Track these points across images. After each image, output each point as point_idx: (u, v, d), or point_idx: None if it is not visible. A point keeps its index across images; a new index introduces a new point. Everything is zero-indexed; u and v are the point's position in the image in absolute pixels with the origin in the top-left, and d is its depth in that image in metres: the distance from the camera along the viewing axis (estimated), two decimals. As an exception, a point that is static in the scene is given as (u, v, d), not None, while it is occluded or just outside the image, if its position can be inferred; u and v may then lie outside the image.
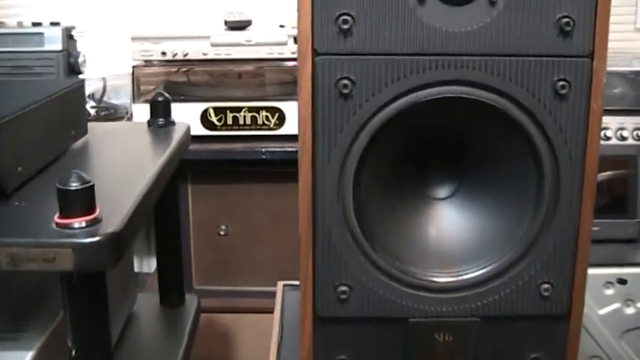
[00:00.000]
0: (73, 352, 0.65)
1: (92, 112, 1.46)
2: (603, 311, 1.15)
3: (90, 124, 0.94)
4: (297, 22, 0.61)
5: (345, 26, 0.60)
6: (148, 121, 0.99)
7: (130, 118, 1.42)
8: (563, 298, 0.66)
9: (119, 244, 0.62)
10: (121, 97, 1.54)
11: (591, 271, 0.76)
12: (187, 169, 1.35)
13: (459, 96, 0.61)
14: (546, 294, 0.66)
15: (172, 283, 1.01)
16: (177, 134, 0.96)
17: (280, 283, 0.98)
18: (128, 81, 1.49)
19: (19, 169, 0.72)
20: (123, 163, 0.83)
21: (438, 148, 0.66)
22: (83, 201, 0.63)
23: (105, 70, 1.52)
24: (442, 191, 0.68)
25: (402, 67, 0.61)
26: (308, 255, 0.65)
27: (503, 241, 0.66)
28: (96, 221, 0.63)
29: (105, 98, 1.50)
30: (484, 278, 0.66)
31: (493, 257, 0.66)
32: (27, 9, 1.68)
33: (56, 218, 0.63)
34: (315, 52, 0.61)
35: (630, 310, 1.16)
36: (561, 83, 0.62)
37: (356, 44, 0.61)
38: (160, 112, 0.98)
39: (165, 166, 0.83)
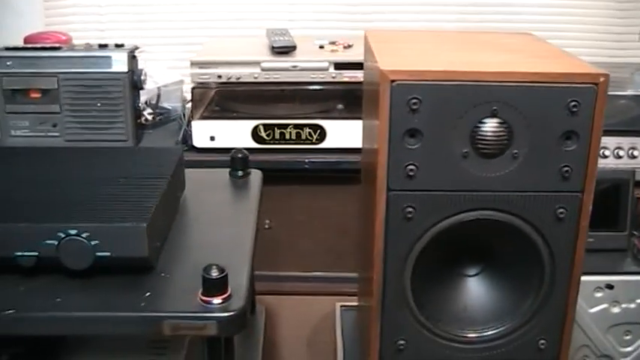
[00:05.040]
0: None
1: (149, 117, 1.78)
2: (593, 310, 1.42)
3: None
4: (377, 168, 0.95)
5: (411, 173, 0.94)
6: (230, 172, 1.32)
7: (185, 125, 1.73)
8: (555, 349, 1.04)
9: (245, 315, 0.97)
10: (171, 102, 1.86)
11: (585, 278, 1.10)
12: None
13: (487, 217, 0.96)
14: (542, 347, 1.03)
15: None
16: (256, 183, 1.30)
17: (337, 305, 1.34)
18: (176, 88, 1.82)
19: (157, 244, 1.07)
20: (226, 220, 1.17)
21: (471, 244, 1.02)
22: (221, 286, 0.96)
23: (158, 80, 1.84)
24: (472, 270, 1.04)
25: (450, 199, 0.95)
26: (377, 319, 1.01)
27: (514, 310, 1.03)
28: (229, 298, 0.97)
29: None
30: (499, 335, 1.03)
31: (506, 321, 1.03)
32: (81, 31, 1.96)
33: (200, 295, 0.97)
34: (389, 189, 0.95)
35: (616, 310, 1.42)
36: (560, 210, 0.97)
37: (418, 184, 0.95)
38: (239, 166, 1.32)
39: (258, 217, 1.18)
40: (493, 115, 0.93)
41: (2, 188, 1.09)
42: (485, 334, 1.03)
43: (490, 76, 0.92)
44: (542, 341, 1.03)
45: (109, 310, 0.94)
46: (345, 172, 1.64)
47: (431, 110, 0.93)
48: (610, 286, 1.43)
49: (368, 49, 1.14)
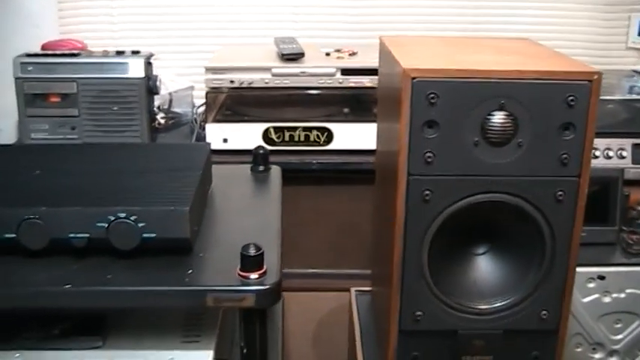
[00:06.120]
0: (245, 350, 1.17)
1: (162, 121, 1.93)
2: (585, 300, 1.54)
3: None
4: (399, 155, 1.11)
5: (429, 159, 1.11)
6: (251, 167, 1.48)
7: (198, 128, 1.89)
8: (555, 319, 1.20)
9: (279, 289, 1.12)
10: (182, 107, 2.02)
11: (578, 269, 1.24)
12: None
13: (496, 200, 1.13)
14: (544, 317, 1.20)
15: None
16: (276, 178, 1.46)
17: (352, 290, 1.50)
18: (186, 93, 1.97)
19: (195, 228, 1.21)
20: (252, 209, 1.32)
21: (481, 224, 1.18)
22: (257, 262, 1.11)
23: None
24: (481, 248, 1.21)
25: (462, 183, 1.12)
26: (397, 293, 1.17)
27: (518, 284, 1.19)
28: (265, 274, 1.12)
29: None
30: (506, 307, 1.19)
31: (512, 294, 1.19)
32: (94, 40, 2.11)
33: (239, 271, 1.11)
34: (409, 174, 1.12)
35: (607, 299, 1.55)
36: (559, 193, 1.13)
37: (434, 169, 1.11)
38: (260, 161, 1.48)
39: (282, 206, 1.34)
40: (500, 109, 1.10)
41: (53, 178, 1.24)
42: (493, 305, 1.19)
43: (498, 74, 1.09)
44: (544, 312, 1.20)
45: (156, 284, 1.08)
46: (351, 172, 1.80)
47: (446, 104, 1.09)
48: (602, 277, 1.56)
49: (385, 52, 1.30)
